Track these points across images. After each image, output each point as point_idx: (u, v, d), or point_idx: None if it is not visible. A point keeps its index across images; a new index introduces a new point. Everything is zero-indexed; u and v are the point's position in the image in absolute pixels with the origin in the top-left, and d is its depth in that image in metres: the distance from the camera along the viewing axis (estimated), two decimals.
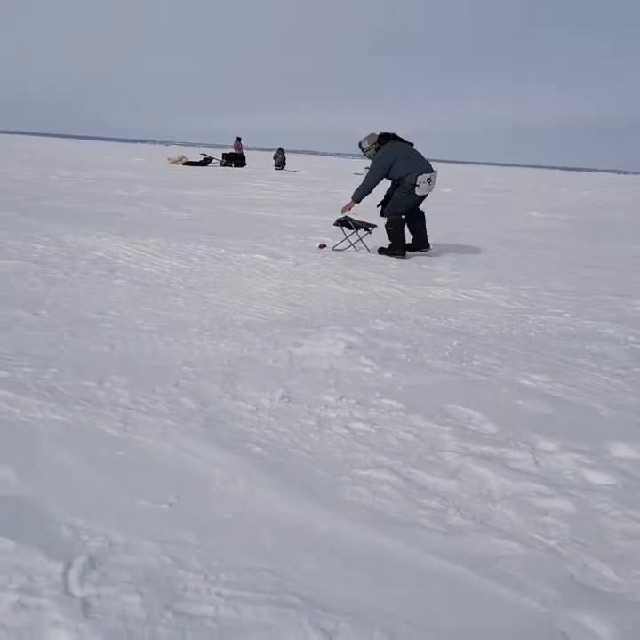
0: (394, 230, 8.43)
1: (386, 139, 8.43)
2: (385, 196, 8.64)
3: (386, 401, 3.52)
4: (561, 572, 2.19)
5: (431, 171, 8.25)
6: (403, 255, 8.38)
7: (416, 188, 8.18)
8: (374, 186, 8.39)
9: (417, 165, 8.21)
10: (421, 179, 8.12)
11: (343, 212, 8.71)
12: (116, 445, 2.81)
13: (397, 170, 8.21)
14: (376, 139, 8.45)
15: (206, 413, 3.21)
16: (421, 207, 8.62)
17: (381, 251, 8.54)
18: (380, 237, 8.84)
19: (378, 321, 5.18)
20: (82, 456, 2.69)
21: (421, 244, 8.65)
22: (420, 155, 8.43)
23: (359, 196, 8.50)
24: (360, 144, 8.59)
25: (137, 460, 2.70)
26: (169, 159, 34.08)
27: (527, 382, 3.98)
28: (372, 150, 8.43)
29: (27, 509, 2.28)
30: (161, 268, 6.72)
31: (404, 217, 8.44)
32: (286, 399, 3.46)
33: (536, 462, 2.96)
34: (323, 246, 8.68)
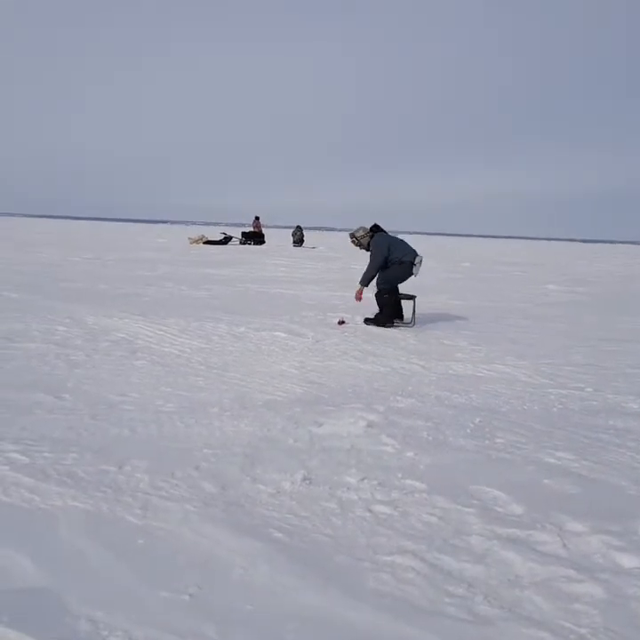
0: (388, 299, 8.99)
1: (376, 229, 9.38)
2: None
3: (408, 482, 3.47)
4: None
5: (419, 256, 9.21)
6: (392, 324, 8.93)
7: (414, 266, 9.04)
8: (379, 268, 9.08)
9: (410, 250, 9.15)
10: (417, 260, 9.07)
11: (357, 298, 9.22)
12: (137, 533, 2.78)
13: (395, 253, 9.06)
14: (368, 229, 9.36)
15: (227, 498, 3.18)
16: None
17: (368, 321, 8.96)
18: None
19: (398, 398, 5.16)
20: (101, 545, 2.66)
21: (400, 316, 9.34)
22: (405, 242, 9.36)
23: (367, 279, 9.12)
24: (353, 234, 9.40)
25: (157, 548, 2.67)
26: (189, 239, 34.76)
27: (552, 460, 3.91)
28: (367, 238, 9.28)
29: (45, 601, 2.25)
30: (181, 347, 6.78)
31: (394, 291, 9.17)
32: (307, 481, 3.42)
33: (564, 545, 2.88)
34: (342, 323, 8.75)
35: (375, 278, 9.10)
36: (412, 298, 9.28)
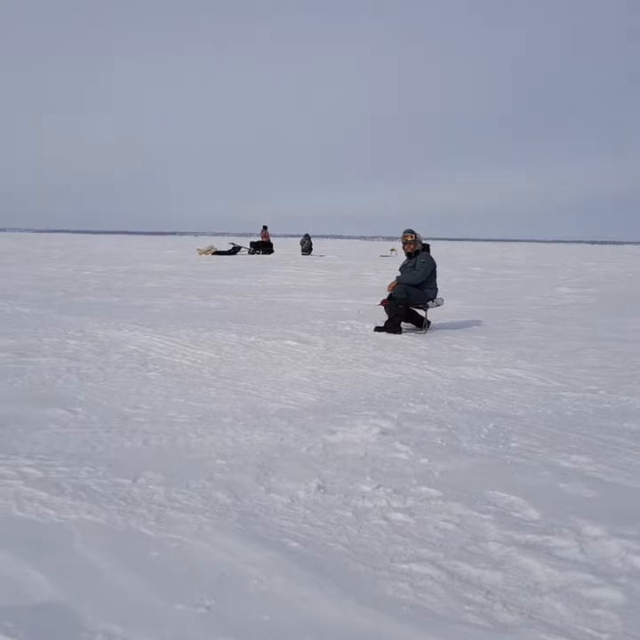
0: (401, 310, 9.02)
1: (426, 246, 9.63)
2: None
3: (423, 488, 3.45)
4: None
5: (441, 298, 9.53)
6: (401, 331, 8.93)
7: (432, 301, 9.24)
8: (420, 282, 9.18)
9: (437, 287, 9.42)
10: (438, 301, 9.35)
11: (389, 289, 9.27)
12: (151, 545, 2.77)
13: (432, 279, 9.31)
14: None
15: (241, 508, 3.17)
16: None
17: (378, 329, 8.98)
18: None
19: (411, 404, 5.14)
20: (116, 558, 2.65)
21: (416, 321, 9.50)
22: None
23: (409, 281, 9.18)
24: (414, 232, 9.49)
25: (172, 560, 2.66)
26: (198, 250, 34.89)
27: (567, 464, 3.88)
28: (419, 244, 9.45)
29: (60, 616, 2.24)
30: (193, 358, 6.78)
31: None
32: (322, 490, 3.41)
33: (582, 549, 2.85)
34: (384, 304, 9.14)
35: (399, 285, 9.10)
36: (424, 305, 9.28)
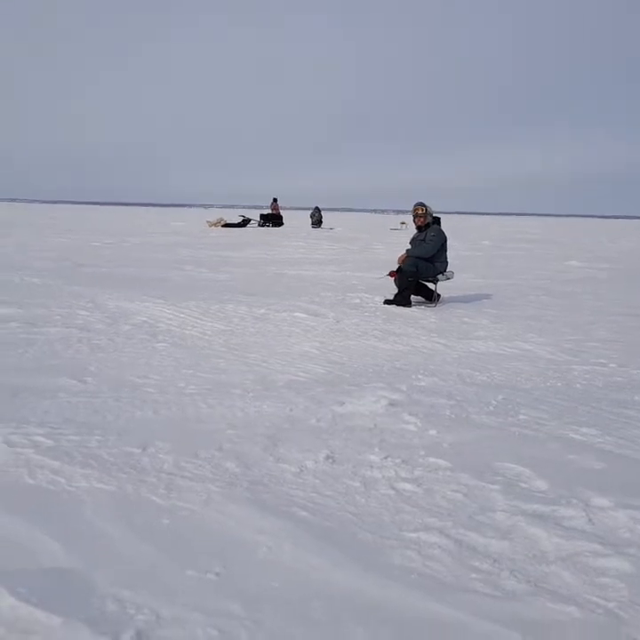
0: (410, 283, 8.99)
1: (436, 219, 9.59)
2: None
3: (432, 459, 3.46)
4: (621, 637, 2.09)
5: (451, 271, 9.49)
6: (411, 304, 8.91)
7: (442, 274, 9.20)
8: (430, 255, 9.12)
9: (447, 260, 9.35)
10: (448, 274, 9.31)
11: (399, 261, 9.21)
12: (161, 513, 2.79)
13: (442, 253, 9.24)
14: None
15: (250, 477, 3.19)
16: None
17: (388, 301, 8.96)
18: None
19: (420, 377, 5.14)
20: (127, 525, 2.68)
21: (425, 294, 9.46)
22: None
23: (418, 254, 9.11)
24: (424, 205, 9.39)
25: (182, 528, 2.68)
26: (208, 222, 34.84)
27: (576, 436, 3.88)
28: (430, 217, 9.39)
29: (72, 581, 2.27)
30: (202, 330, 6.79)
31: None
32: (331, 460, 3.42)
33: (590, 520, 2.86)
34: (392, 275, 9.13)
35: (408, 258, 9.06)
36: (434, 278, 9.23)
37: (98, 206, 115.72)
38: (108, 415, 4.03)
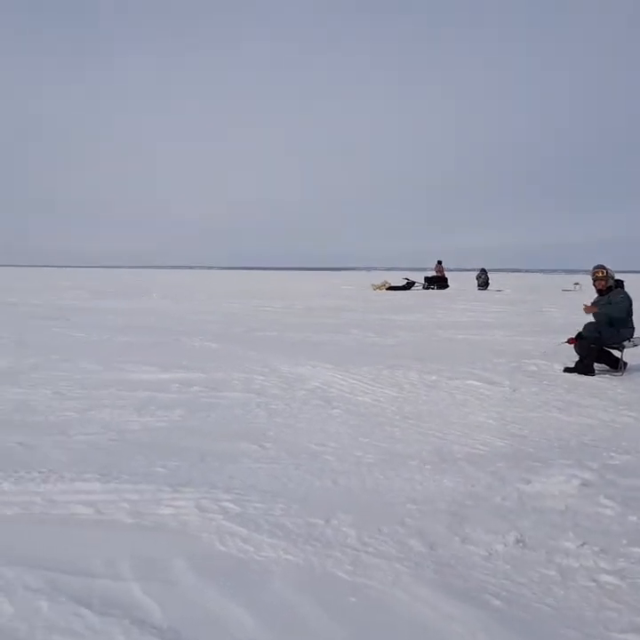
0: (592, 349, 8.51)
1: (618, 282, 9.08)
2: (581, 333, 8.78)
3: (635, 549, 3.18)
4: None
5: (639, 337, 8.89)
6: (594, 373, 8.44)
7: (628, 341, 8.64)
8: (619, 317, 8.66)
9: (634, 326, 8.78)
10: (636, 340, 8.73)
11: (586, 311, 8.83)
12: (348, 590, 2.74)
13: (627, 319, 8.69)
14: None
15: (436, 558, 3.07)
16: None
17: (568, 369, 8.51)
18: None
19: (612, 454, 4.78)
20: (315, 601, 2.65)
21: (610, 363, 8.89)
22: None
23: (605, 314, 8.64)
24: (605, 268, 8.96)
25: (370, 607, 2.61)
26: (373, 285, 35.30)
27: None
28: (611, 280, 8.92)
29: None
30: (374, 396, 6.78)
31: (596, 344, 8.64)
32: (521, 544, 3.23)
33: None
34: (571, 342, 8.70)
35: (590, 323, 8.66)
36: (620, 345, 8.67)
37: (265, 272, 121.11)
38: (289, 483, 4.08)
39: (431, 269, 36.55)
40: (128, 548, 3.12)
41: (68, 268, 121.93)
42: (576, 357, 8.60)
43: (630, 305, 8.69)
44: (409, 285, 34.38)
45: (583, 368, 8.33)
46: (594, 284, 8.96)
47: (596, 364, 8.49)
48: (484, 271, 35.27)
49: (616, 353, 8.71)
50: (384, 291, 32.99)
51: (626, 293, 8.74)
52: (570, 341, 8.76)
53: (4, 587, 2.73)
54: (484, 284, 34.65)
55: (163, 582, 2.80)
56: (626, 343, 8.57)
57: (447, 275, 36.47)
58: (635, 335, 8.68)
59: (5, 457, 4.50)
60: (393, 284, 34.44)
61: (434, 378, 7.77)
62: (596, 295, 9.07)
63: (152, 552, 3.08)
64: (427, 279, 35.20)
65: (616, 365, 8.61)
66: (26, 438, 4.97)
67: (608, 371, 8.61)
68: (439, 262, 36.01)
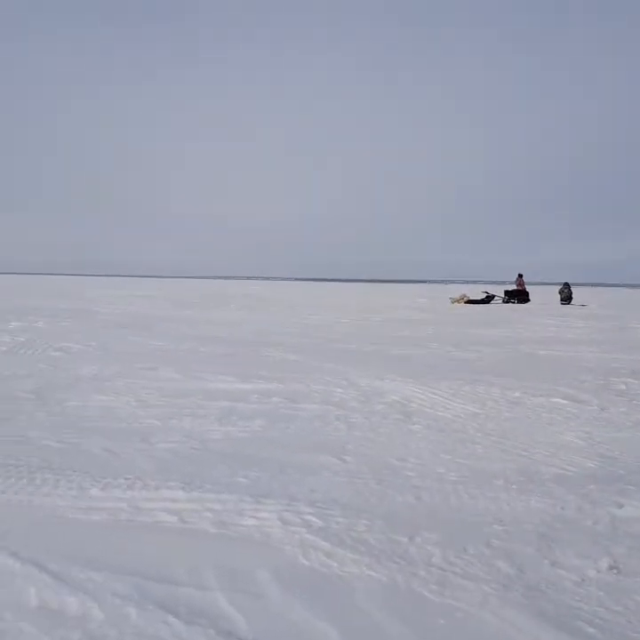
0: None
1: None
2: None
3: None
4: None
5: None
6: None
7: None
8: None
9: None
10: None
11: None
12: (436, 611, 2.68)
13: None
14: None
15: (525, 581, 2.97)
16: None
17: None
18: None
19: None
20: (402, 621, 2.60)
21: None
22: None
23: None
24: None
25: (460, 630, 2.55)
26: (451, 298, 34.93)
27: None
28: None
29: None
30: (455, 412, 6.67)
31: None
32: (615, 571, 3.10)
33: None
34: None
35: None
36: None
37: (338, 283, 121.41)
38: (371, 498, 4.04)
39: (511, 283, 35.85)
40: (212, 557, 3.15)
41: (144, 278, 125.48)
42: None
43: None
44: (488, 299, 33.85)
45: None
46: None
47: None
48: (567, 285, 34.38)
49: None
50: (462, 304, 32.57)
51: None
52: None
53: (93, 591, 2.79)
54: (567, 298, 33.76)
55: (247, 593, 2.81)
56: None
57: (528, 288, 35.72)
58: None
59: (93, 463, 4.63)
60: (472, 298, 33.97)
61: (517, 394, 7.58)
62: None
63: (236, 562, 3.09)
64: (507, 293, 34.55)
65: None
66: (111, 445, 5.10)
67: None
68: (520, 275, 35.30)
